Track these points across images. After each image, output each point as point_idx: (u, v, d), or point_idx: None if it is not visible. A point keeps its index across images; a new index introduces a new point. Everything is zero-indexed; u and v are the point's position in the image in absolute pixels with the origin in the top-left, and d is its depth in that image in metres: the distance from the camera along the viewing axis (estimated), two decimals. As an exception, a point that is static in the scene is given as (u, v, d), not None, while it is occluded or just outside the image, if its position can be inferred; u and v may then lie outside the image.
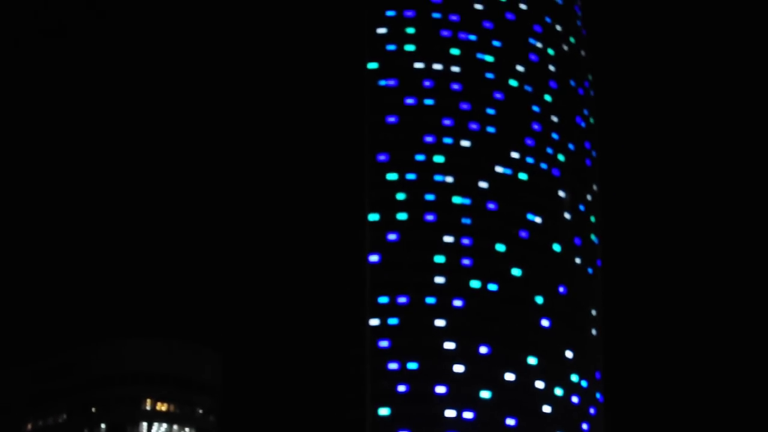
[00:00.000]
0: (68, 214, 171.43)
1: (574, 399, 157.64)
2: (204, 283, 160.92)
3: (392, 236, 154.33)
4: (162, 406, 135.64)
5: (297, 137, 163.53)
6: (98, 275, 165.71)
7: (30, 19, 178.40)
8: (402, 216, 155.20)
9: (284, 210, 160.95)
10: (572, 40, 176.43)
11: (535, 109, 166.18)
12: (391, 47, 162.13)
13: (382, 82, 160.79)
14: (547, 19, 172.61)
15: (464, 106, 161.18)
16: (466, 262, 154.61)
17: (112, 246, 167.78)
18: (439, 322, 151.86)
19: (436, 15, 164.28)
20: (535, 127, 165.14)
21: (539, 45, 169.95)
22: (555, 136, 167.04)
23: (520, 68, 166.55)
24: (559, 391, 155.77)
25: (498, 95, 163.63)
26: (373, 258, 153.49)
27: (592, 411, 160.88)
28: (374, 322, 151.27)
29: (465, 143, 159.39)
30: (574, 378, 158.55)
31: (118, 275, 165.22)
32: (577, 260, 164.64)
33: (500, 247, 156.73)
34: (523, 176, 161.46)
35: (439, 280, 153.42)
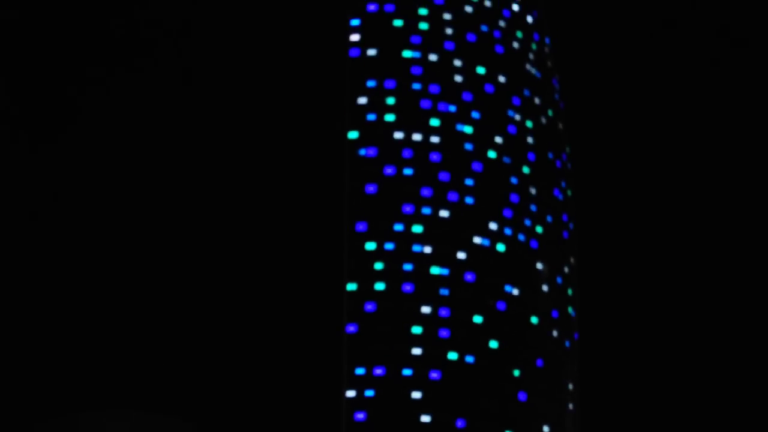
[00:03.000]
0: (25, 276, 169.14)
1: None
2: (174, 350, 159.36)
3: (370, 306, 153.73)
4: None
5: (275, 206, 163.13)
6: (59, 345, 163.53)
7: (29, 18, 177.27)
8: (380, 286, 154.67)
9: (261, 279, 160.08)
10: (550, 113, 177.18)
11: (513, 180, 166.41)
12: (371, 117, 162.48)
13: (362, 151, 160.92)
14: (526, 92, 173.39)
15: (443, 176, 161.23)
16: (443, 333, 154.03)
17: (72, 314, 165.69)
18: (416, 395, 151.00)
19: (416, 86, 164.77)
20: (513, 198, 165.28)
21: (518, 117, 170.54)
22: (533, 207, 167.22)
23: (498, 140, 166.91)
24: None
25: (477, 166, 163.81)
26: (351, 328, 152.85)
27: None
28: (350, 393, 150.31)
29: (443, 213, 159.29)
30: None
31: (80, 345, 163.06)
32: (555, 333, 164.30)
33: (477, 319, 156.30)
34: (500, 248, 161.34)
35: (416, 351, 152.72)
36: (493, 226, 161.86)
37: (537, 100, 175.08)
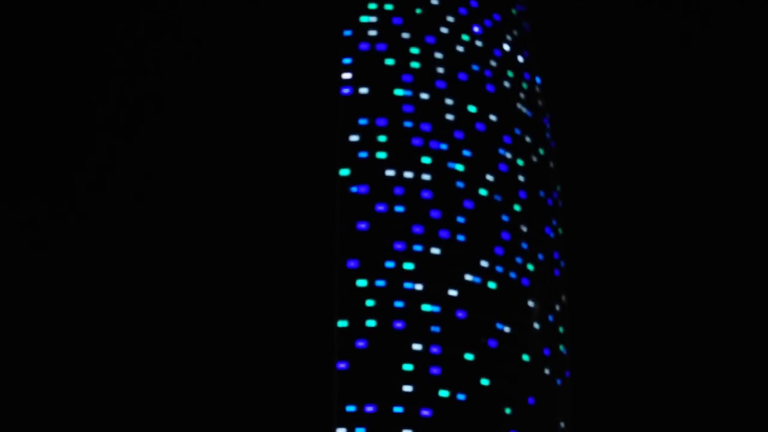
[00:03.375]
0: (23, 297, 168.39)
1: None
2: (164, 388, 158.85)
3: (361, 343, 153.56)
4: None
5: (268, 242, 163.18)
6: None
7: (27, 17, 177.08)
8: (371, 323, 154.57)
9: (252, 315, 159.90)
10: (541, 151, 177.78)
11: (505, 218, 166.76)
12: (363, 154, 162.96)
13: (354, 189, 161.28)
14: (517, 131, 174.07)
15: (434, 214, 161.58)
16: (434, 370, 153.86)
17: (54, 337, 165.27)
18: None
19: (407, 124, 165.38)
20: (505, 236, 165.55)
21: (509, 155, 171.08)
22: (524, 245, 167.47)
23: (489, 178, 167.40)
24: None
25: (468, 204, 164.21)
26: (342, 365, 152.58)
27: None
28: (341, 431, 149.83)
29: (435, 251, 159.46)
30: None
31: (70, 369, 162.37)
32: (546, 371, 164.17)
33: (469, 356, 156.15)
34: (492, 285, 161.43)
35: (407, 388, 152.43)
36: (484, 263, 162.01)
37: (528, 139, 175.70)
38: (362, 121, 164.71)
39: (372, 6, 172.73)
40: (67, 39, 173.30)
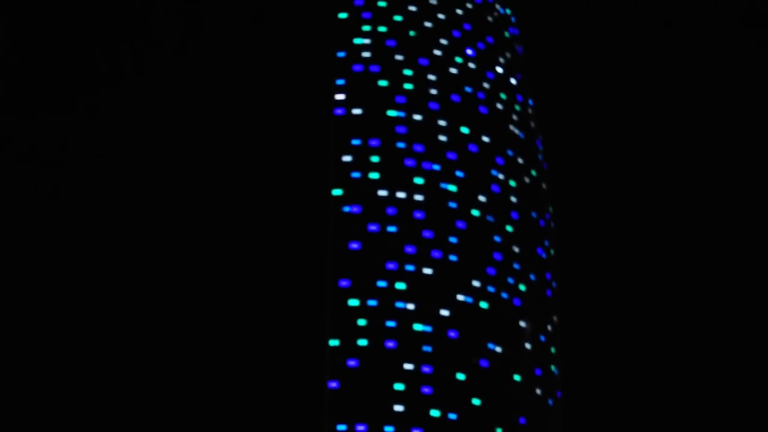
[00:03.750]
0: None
1: None
2: (157, 408, 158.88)
3: (352, 362, 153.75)
4: None
5: (258, 263, 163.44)
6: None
7: (29, 20, 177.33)
8: (362, 342, 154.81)
9: (243, 333, 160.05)
10: (534, 173, 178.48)
11: (497, 239, 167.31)
12: (355, 174, 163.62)
13: (346, 209, 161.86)
14: (510, 152, 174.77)
15: (427, 234, 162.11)
16: (426, 390, 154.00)
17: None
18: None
19: (400, 144, 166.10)
20: (497, 256, 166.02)
21: (501, 176, 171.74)
22: (516, 266, 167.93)
23: (482, 198, 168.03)
24: None
25: (460, 224, 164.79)
26: (333, 384, 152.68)
27: None
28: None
29: (427, 271, 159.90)
30: None
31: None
32: (538, 391, 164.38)
33: (460, 376, 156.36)
34: (484, 305, 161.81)
35: (398, 408, 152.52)
36: (476, 283, 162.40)
37: (520, 160, 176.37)
38: (355, 142, 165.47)
39: (366, 28, 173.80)
40: (59, 38, 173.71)
